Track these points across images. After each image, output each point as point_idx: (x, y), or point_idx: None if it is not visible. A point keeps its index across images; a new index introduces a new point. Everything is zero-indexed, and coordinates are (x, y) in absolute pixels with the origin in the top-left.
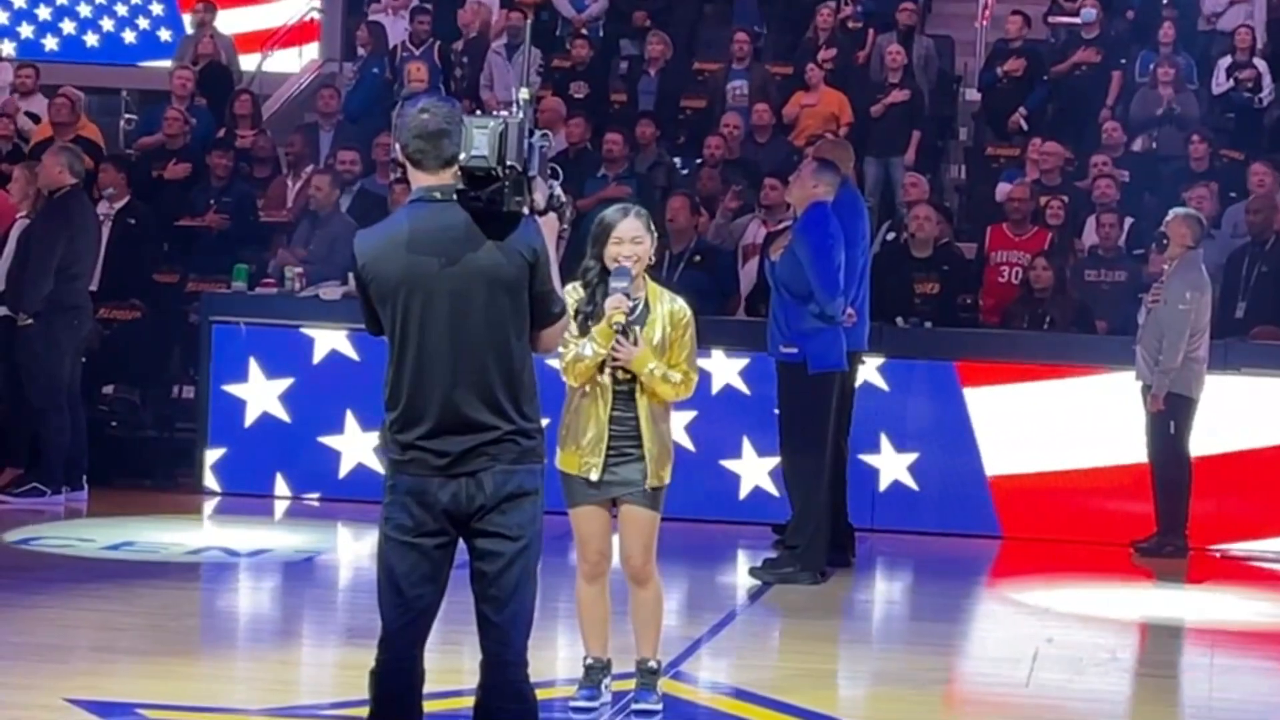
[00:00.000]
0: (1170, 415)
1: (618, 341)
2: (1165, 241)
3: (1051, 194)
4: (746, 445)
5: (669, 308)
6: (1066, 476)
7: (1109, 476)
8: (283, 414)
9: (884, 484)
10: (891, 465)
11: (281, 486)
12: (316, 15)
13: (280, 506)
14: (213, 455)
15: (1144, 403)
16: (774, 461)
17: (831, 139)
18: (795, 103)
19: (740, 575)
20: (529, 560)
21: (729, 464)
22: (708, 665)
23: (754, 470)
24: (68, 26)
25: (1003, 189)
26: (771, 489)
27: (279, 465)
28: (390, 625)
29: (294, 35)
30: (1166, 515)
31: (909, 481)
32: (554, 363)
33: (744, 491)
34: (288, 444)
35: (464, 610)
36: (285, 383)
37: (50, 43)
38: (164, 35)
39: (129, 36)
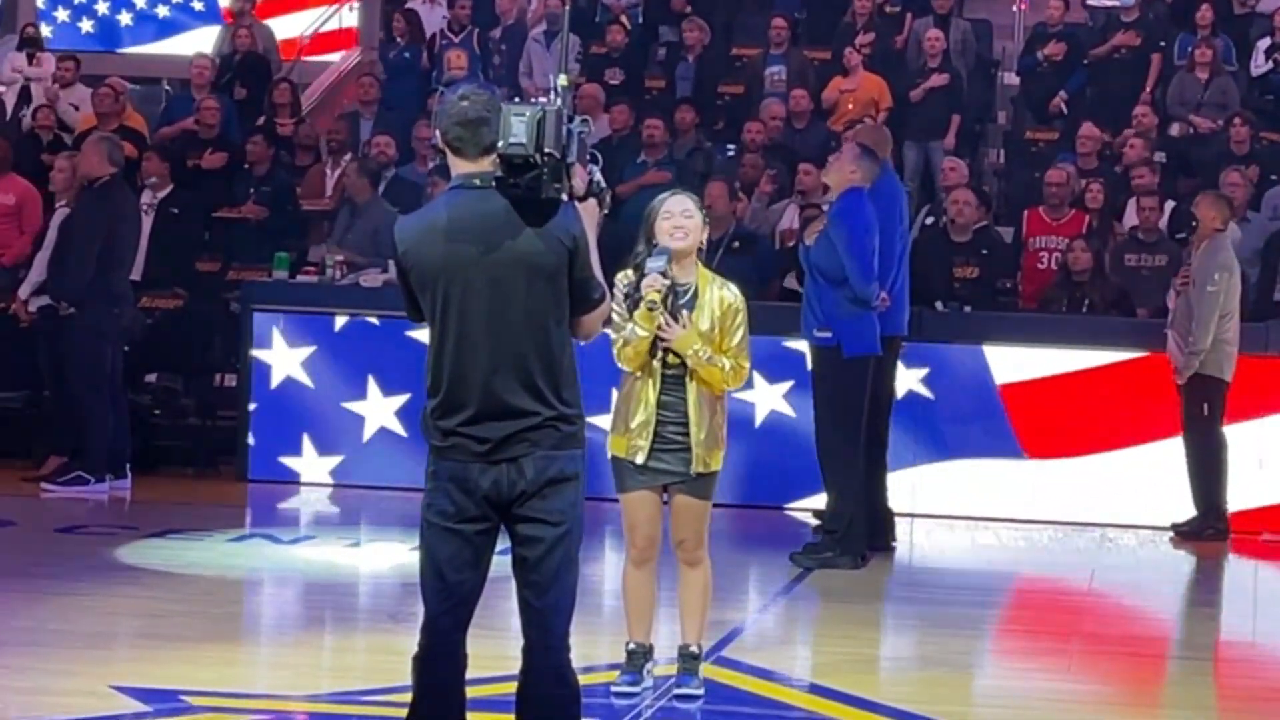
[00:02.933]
0: (1203, 397)
1: (666, 321)
2: (1195, 224)
3: (1090, 177)
4: None
5: (719, 294)
6: (1105, 460)
7: (1149, 459)
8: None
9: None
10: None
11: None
12: (354, 6)
13: (322, 493)
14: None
15: (1178, 386)
16: None
17: (870, 124)
18: (834, 88)
19: (781, 560)
20: (570, 545)
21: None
22: (749, 650)
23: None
24: (101, 7)
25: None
26: None
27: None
28: (433, 610)
29: (331, 40)
30: (1204, 498)
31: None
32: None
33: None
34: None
35: (506, 596)
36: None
37: (86, 25)
38: (196, 4)
39: (163, 11)
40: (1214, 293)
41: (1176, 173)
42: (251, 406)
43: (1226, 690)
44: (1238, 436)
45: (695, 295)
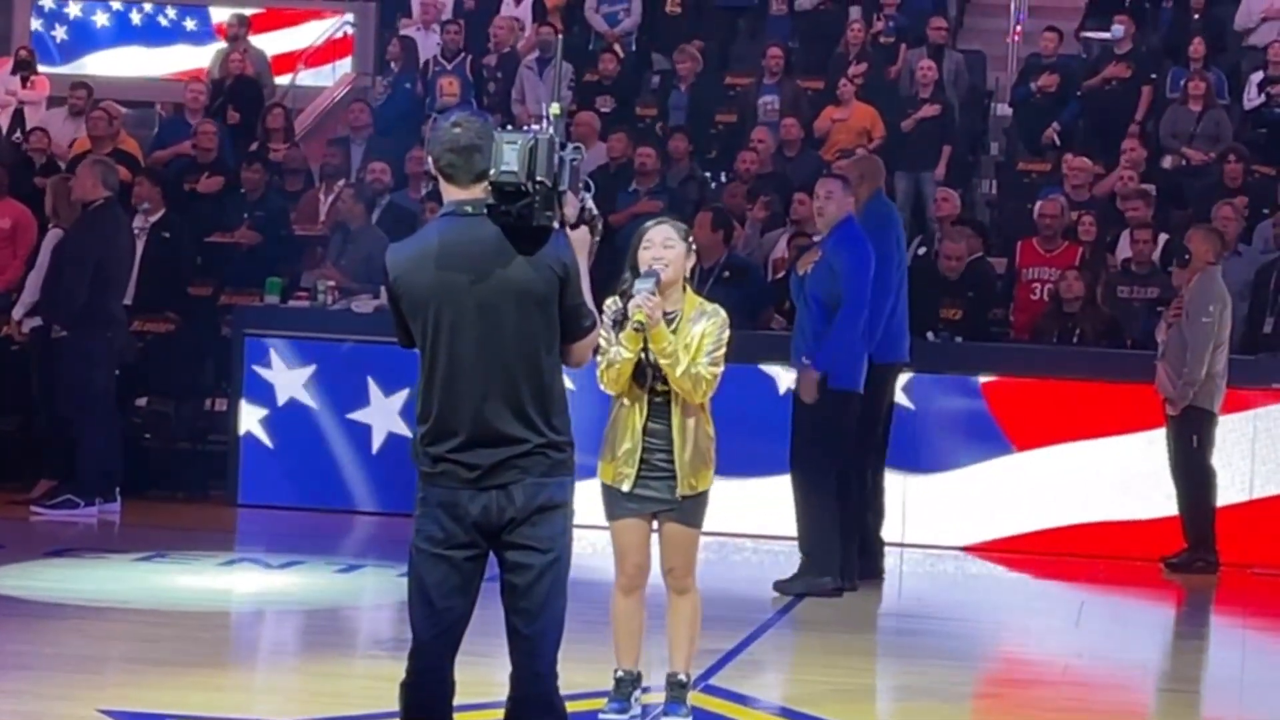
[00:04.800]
0: (1192, 429)
1: (645, 295)
2: (1188, 257)
3: (1082, 209)
4: None
5: (706, 313)
6: (1094, 489)
7: (1138, 492)
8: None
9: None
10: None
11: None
12: (349, 30)
13: (312, 519)
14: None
15: (1166, 417)
16: None
17: (862, 153)
18: (826, 117)
19: (767, 588)
20: (559, 573)
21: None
22: (737, 679)
23: None
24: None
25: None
26: None
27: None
28: (421, 637)
29: (327, 52)
30: (1194, 530)
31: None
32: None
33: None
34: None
35: (495, 622)
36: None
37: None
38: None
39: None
40: (1208, 324)
41: (1169, 205)
42: (243, 431)
43: None
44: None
45: (679, 320)
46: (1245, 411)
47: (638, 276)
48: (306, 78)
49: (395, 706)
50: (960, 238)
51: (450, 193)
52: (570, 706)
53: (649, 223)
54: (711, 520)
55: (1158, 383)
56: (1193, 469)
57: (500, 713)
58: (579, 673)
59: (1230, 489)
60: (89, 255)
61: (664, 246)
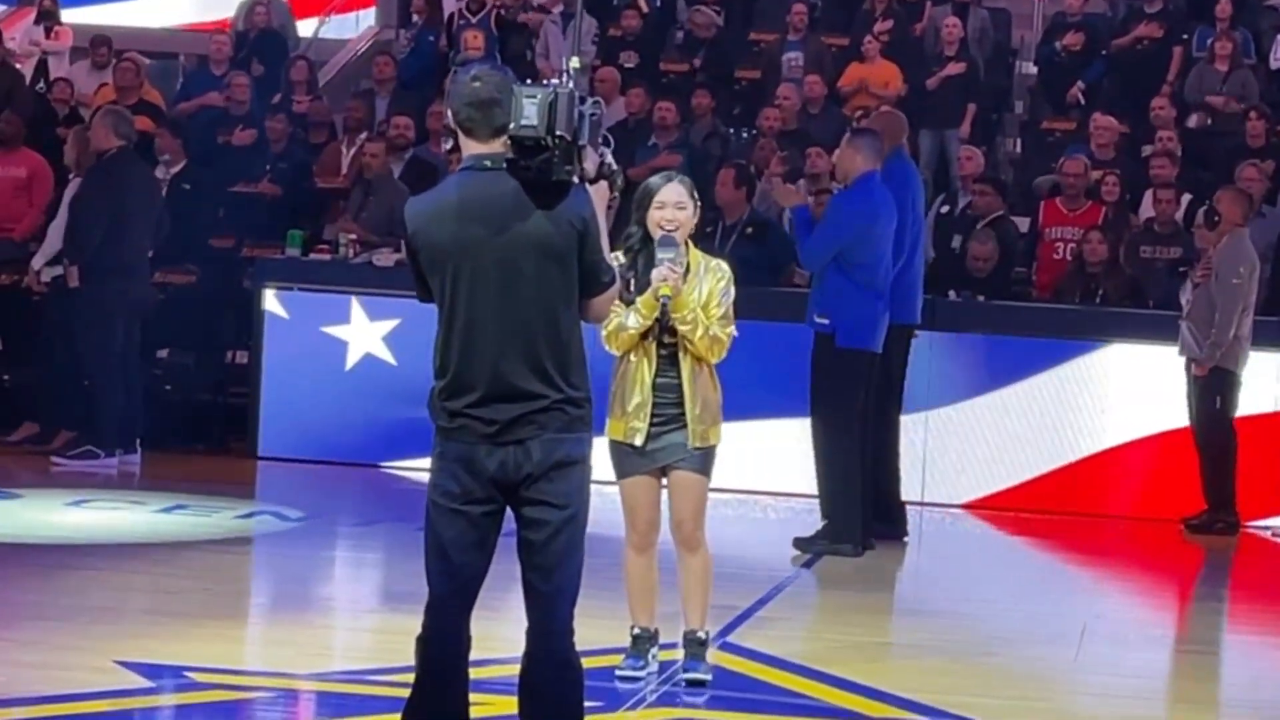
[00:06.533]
0: (1216, 390)
1: (670, 266)
2: (1217, 219)
3: (1106, 168)
4: None
5: (709, 272)
6: (1113, 452)
7: (1157, 451)
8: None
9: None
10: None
11: None
12: None
13: (331, 472)
14: None
15: (1187, 378)
16: None
17: (887, 110)
18: (850, 74)
19: (787, 546)
20: (576, 529)
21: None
22: (755, 636)
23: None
24: None
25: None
26: None
27: None
28: (437, 592)
29: (351, 1)
30: (1216, 491)
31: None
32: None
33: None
34: None
35: (511, 578)
36: None
37: None
38: None
39: None
40: (1238, 285)
41: (1194, 166)
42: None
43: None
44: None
45: (687, 276)
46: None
47: (645, 234)
48: (330, 29)
49: (411, 661)
50: (987, 239)
51: (469, 147)
52: (586, 662)
53: (656, 179)
54: (733, 476)
55: (1181, 343)
56: (1215, 430)
57: (516, 668)
58: (595, 629)
59: None
60: (100, 205)
61: (677, 208)
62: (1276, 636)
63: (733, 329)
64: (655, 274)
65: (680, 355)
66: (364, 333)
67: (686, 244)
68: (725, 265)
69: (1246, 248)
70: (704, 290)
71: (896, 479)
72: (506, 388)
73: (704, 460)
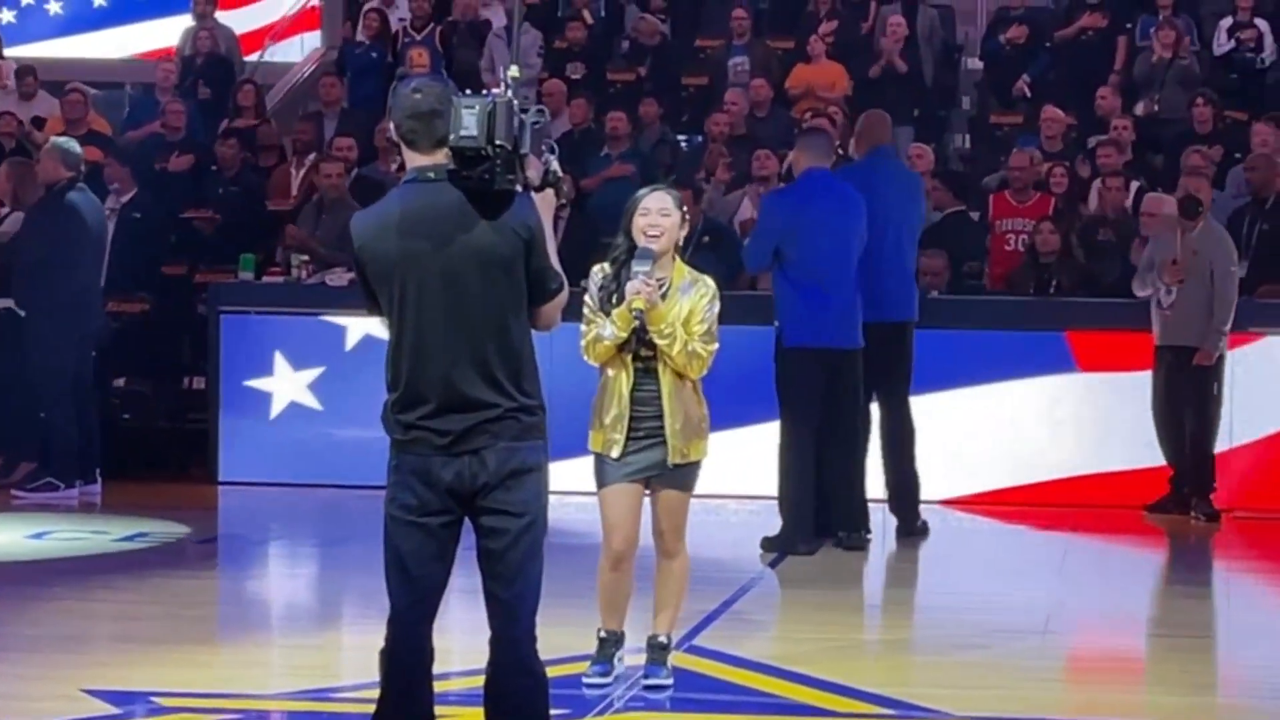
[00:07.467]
0: (1215, 377)
1: (644, 279)
2: (1201, 208)
3: (1054, 160)
4: None
5: (693, 286)
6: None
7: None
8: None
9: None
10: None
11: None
12: (316, 2)
13: (291, 494)
14: None
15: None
16: None
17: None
18: (797, 76)
19: (752, 548)
20: (535, 536)
21: None
22: (721, 637)
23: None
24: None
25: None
26: None
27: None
28: (398, 604)
29: (295, 25)
30: (1198, 476)
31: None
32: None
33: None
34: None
35: (474, 588)
36: None
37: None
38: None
39: None
40: (1234, 273)
41: (1142, 153)
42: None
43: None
44: None
45: (669, 289)
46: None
47: (631, 245)
48: (276, 52)
49: (376, 675)
50: (937, 257)
51: (412, 159)
52: (551, 670)
53: (644, 190)
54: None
55: (1164, 332)
56: (1210, 416)
57: (481, 679)
58: (563, 635)
59: None
60: (44, 236)
61: (661, 215)
62: (1254, 618)
63: (715, 345)
64: (629, 286)
65: (659, 369)
66: (318, 355)
67: (673, 258)
68: (711, 281)
69: (1226, 233)
70: (686, 305)
71: (859, 477)
72: (459, 398)
73: (685, 477)
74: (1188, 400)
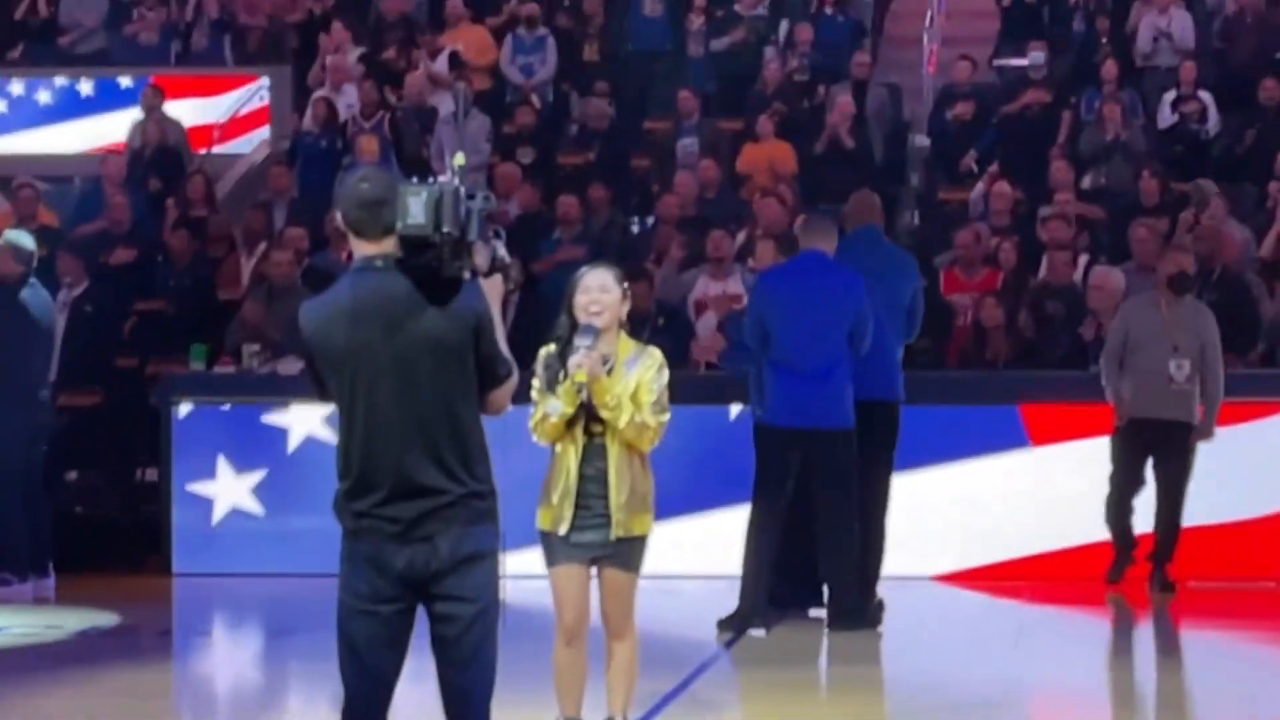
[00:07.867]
0: (1193, 450)
1: (585, 352)
2: (1190, 284)
3: (1003, 235)
4: None
5: (640, 355)
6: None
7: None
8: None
9: None
10: None
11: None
12: (265, 98)
13: (248, 585)
14: None
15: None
16: None
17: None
18: (746, 156)
19: (708, 628)
20: (489, 622)
21: None
22: (679, 718)
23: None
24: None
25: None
26: None
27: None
28: (352, 693)
29: (244, 123)
30: (1167, 549)
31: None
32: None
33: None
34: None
35: (428, 674)
36: None
37: None
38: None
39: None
40: (1220, 348)
41: (1090, 225)
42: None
43: None
44: None
45: (614, 363)
46: None
47: (573, 323)
48: (225, 146)
49: None
50: None
51: (360, 248)
52: None
53: (584, 268)
54: (651, 562)
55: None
56: (1185, 489)
57: None
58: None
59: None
60: (3, 334)
61: (601, 291)
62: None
63: (666, 416)
64: (571, 361)
65: (608, 443)
66: (271, 445)
67: (617, 333)
68: (657, 352)
69: (1207, 308)
70: (633, 379)
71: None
72: (411, 485)
73: (630, 554)
74: (1168, 474)
